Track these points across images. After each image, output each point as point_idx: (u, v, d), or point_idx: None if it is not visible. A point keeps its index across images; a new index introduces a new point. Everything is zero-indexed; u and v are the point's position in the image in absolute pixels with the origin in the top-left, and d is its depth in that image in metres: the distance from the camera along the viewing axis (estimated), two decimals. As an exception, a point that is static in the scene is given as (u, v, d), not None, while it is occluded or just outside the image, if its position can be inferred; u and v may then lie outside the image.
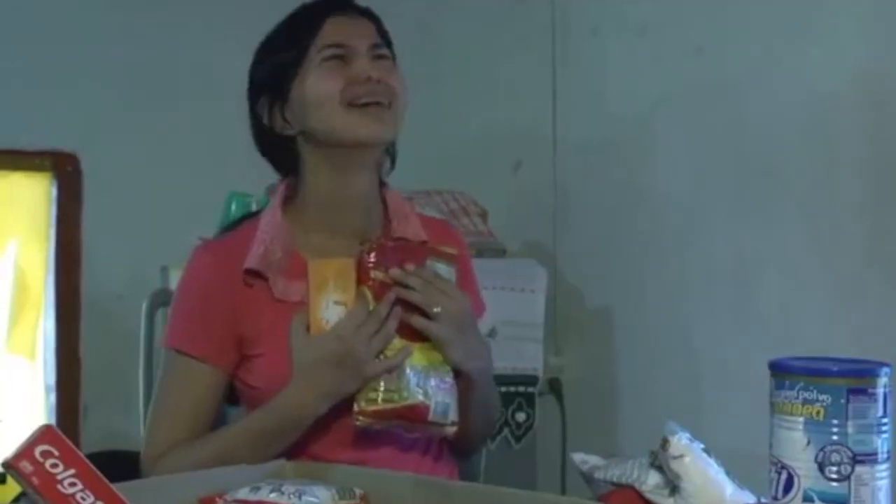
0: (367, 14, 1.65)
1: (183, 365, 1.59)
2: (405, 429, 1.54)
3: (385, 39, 1.65)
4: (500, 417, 2.37)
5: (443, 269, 1.55)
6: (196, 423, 1.58)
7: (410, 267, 1.51)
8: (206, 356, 1.58)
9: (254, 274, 1.58)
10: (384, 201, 1.69)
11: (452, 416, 1.54)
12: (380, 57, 1.60)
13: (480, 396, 1.62)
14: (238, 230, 1.67)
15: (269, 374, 1.57)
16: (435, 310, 1.50)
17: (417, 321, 1.50)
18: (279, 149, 1.65)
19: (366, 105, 1.56)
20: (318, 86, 1.57)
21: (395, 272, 1.50)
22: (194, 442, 1.58)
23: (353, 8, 1.64)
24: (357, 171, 1.62)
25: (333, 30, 1.59)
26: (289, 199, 1.66)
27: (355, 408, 1.50)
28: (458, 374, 1.55)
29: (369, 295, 1.50)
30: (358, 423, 1.50)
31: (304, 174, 1.64)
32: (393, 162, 1.72)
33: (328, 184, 1.62)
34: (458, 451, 1.73)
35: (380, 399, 1.49)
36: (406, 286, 1.50)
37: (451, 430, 1.55)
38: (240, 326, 1.58)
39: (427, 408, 1.50)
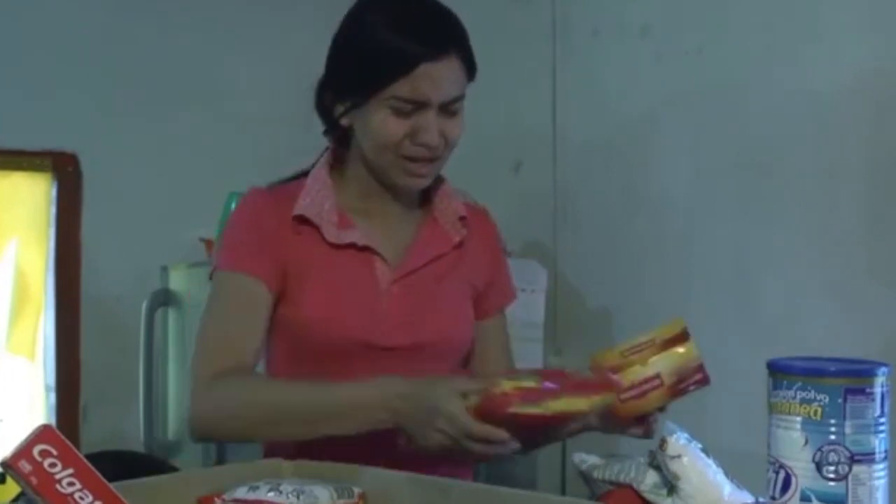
0: (458, 48, 1.62)
1: (234, 283, 1.61)
2: None
3: (469, 71, 1.64)
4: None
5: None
6: (247, 346, 1.58)
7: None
8: (258, 273, 1.60)
9: (302, 221, 1.64)
10: None
11: None
12: (449, 112, 1.62)
13: None
14: (291, 183, 1.71)
15: (305, 315, 1.60)
16: None
17: None
18: (335, 124, 1.68)
19: (416, 160, 1.61)
20: (381, 130, 1.58)
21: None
22: (251, 379, 1.57)
23: (447, 52, 1.59)
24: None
25: (419, 82, 1.56)
26: (334, 166, 1.71)
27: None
28: None
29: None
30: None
31: (350, 156, 1.69)
32: None
33: (368, 178, 1.68)
34: None
35: None
36: None
37: None
38: (288, 259, 1.62)
39: None
